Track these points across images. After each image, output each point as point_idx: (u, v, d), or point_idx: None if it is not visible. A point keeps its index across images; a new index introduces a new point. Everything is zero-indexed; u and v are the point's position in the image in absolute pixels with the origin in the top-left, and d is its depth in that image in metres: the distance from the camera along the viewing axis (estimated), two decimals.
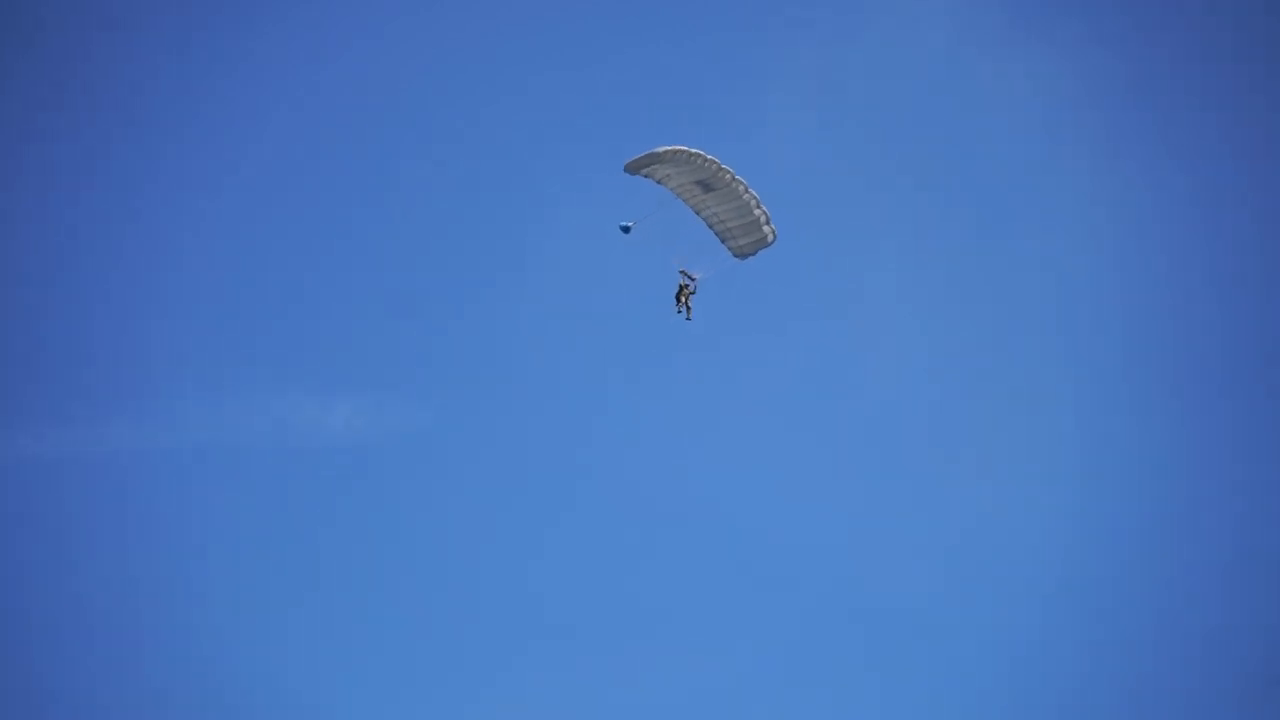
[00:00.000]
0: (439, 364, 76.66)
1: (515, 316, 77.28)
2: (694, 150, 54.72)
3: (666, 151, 54.57)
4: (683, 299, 58.11)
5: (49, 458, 70.35)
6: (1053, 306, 75.28)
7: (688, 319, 58.17)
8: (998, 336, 75.63)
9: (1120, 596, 67.07)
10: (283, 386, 73.66)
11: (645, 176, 55.45)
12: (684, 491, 72.63)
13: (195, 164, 78.36)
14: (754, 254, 57.07)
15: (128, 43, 79.06)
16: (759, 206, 55.98)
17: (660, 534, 71.84)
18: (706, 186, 55.63)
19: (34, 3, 78.08)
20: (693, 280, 58.06)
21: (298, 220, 78.92)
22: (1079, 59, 77.53)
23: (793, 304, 74.18)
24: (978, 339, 75.89)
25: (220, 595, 69.19)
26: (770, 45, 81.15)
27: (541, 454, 73.83)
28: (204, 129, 78.92)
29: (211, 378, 73.90)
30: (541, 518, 72.54)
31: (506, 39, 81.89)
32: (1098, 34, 77.08)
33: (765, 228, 56.33)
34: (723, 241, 57.04)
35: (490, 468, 73.76)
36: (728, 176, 55.10)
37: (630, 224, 56.24)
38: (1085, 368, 73.38)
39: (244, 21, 79.48)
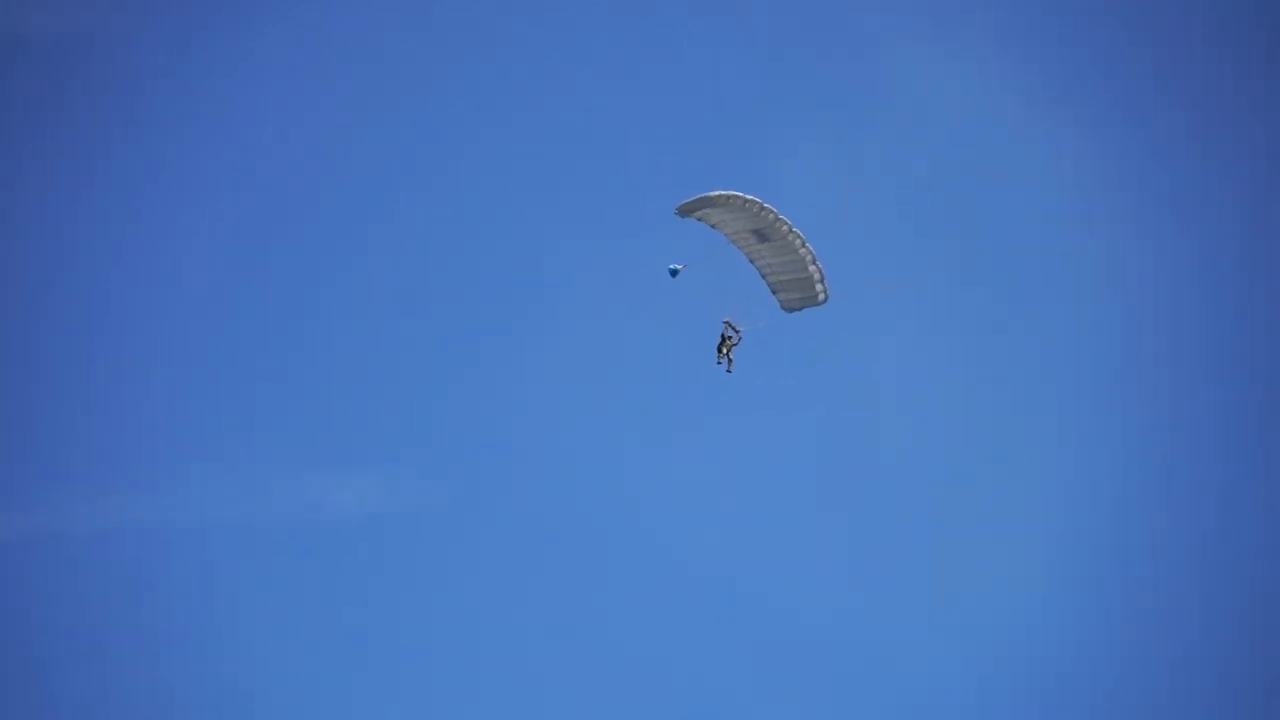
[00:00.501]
0: (456, 437, 74.99)
1: (533, 389, 75.04)
2: (749, 197, 52.32)
3: (720, 196, 52.14)
4: (724, 350, 55.83)
5: (59, 531, 69.57)
6: (1070, 382, 73.36)
7: (728, 370, 55.92)
8: (1015, 409, 73.53)
9: (1138, 685, 64.89)
10: (297, 460, 72.37)
11: (699, 220, 53.15)
12: (700, 568, 70.28)
13: (210, 235, 76.95)
14: (800, 310, 54.86)
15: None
16: (814, 263, 53.47)
17: (679, 611, 69.23)
18: (762, 236, 53.21)
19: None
20: (737, 333, 55.67)
21: (315, 294, 77.43)
22: (1101, 133, 76.51)
23: (812, 373, 71.75)
24: (995, 412, 73.80)
25: (234, 669, 67.90)
26: (788, 123, 79.25)
27: (559, 528, 71.57)
28: (215, 184, 77.35)
29: (225, 451, 72.76)
30: (559, 593, 70.53)
31: (522, 89, 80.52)
32: (1121, 107, 76.22)
33: (817, 286, 53.71)
34: (773, 292, 54.54)
35: (507, 541, 72.16)
36: (784, 228, 52.68)
37: (679, 266, 54.00)
38: (1103, 442, 71.27)
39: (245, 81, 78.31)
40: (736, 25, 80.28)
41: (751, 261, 54.32)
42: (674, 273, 54.12)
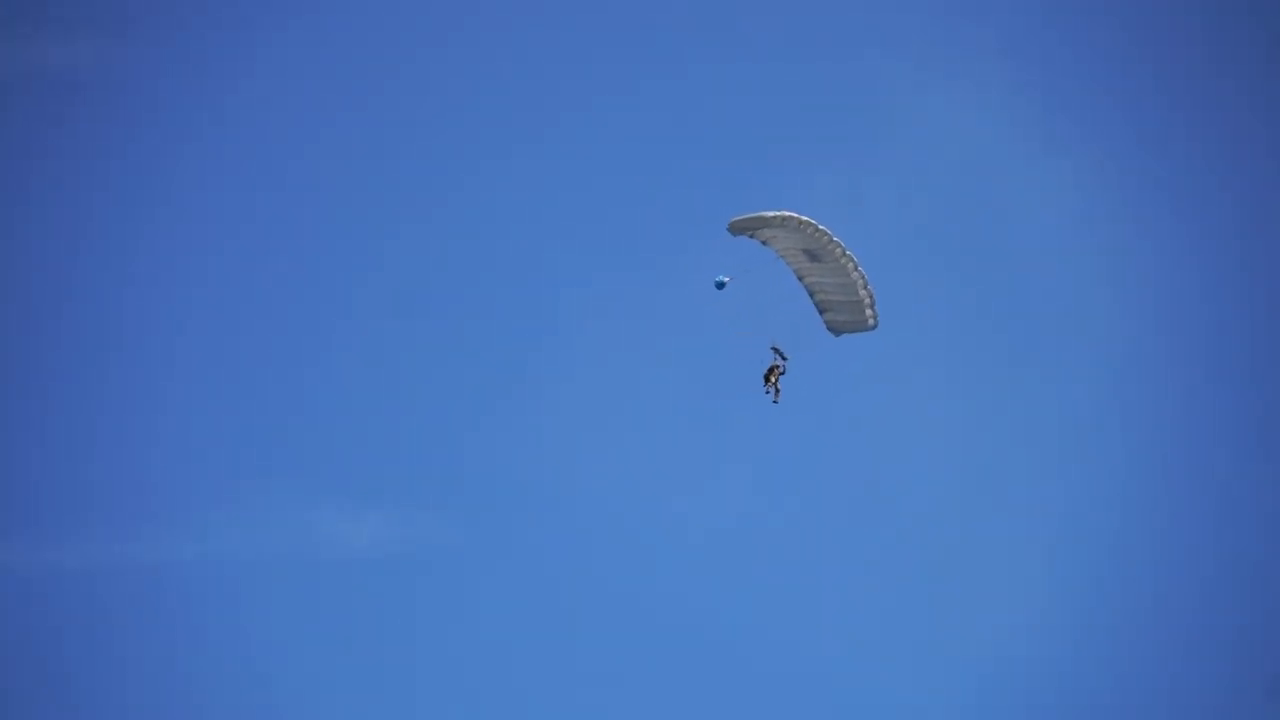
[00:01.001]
0: (469, 478, 74.10)
1: (549, 429, 74.34)
2: (805, 218, 52.35)
3: (776, 216, 51.84)
4: (772, 379, 55.08)
5: (70, 568, 69.04)
6: (1082, 417, 73.49)
7: (775, 401, 55.14)
8: (1023, 449, 73.51)
9: (1141, 688, 65.00)
10: (310, 498, 71.47)
11: (752, 238, 53.04)
12: (712, 617, 69.35)
13: (220, 262, 76.47)
14: (848, 333, 54.57)
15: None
16: (866, 287, 53.44)
17: (689, 660, 68.48)
18: (813, 256, 52.52)
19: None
20: (784, 360, 54.96)
21: (328, 329, 76.85)
22: (1115, 163, 77.39)
23: (823, 411, 71.47)
24: (1001, 440, 73.81)
25: (237, 706, 67.31)
26: (796, 159, 79.66)
27: (572, 572, 70.96)
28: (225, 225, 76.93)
29: (237, 488, 71.97)
30: (569, 639, 69.87)
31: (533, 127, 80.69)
32: (1135, 138, 77.17)
33: (868, 311, 53.35)
34: (820, 312, 53.84)
35: (519, 585, 71.37)
36: (838, 250, 52.62)
37: (726, 279, 52.90)
38: (1113, 467, 71.36)
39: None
40: (744, 57, 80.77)
41: (800, 279, 53.60)
42: (721, 285, 52.92)
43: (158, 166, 77.23)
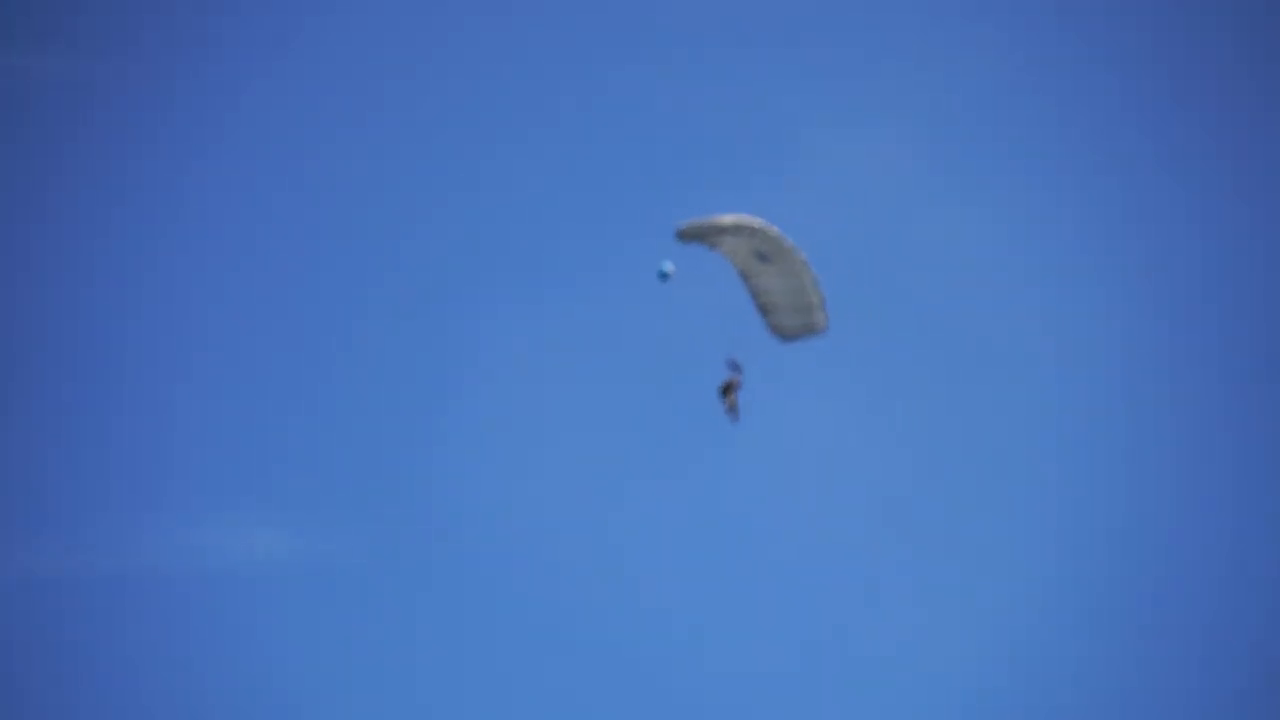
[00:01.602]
0: (370, 489, 71.85)
1: (458, 441, 72.83)
2: (760, 224, 51.89)
3: (733, 223, 51.40)
4: (730, 395, 53.29)
5: None
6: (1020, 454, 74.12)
7: (735, 420, 53.36)
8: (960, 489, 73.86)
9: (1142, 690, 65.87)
10: (203, 509, 69.18)
11: (707, 245, 52.31)
12: (629, 630, 68.62)
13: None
14: (798, 338, 53.62)
15: None
16: (816, 289, 53.25)
17: (599, 676, 67.66)
18: (764, 258, 51.31)
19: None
20: (740, 372, 53.43)
21: (221, 336, 74.37)
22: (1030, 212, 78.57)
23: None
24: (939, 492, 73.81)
25: None
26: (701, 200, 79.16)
27: (476, 587, 69.49)
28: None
29: (128, 499, 69.36)
30: (473, 658, 68.28)
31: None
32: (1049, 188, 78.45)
33: (819, 313, 52.91)
34: (764, 315, 52.54)
35: (424, 600, 69.41)
36: (790, 252, 52.04)
37: (671, 269, 50.75)
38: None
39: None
40: (656, 99, 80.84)
41: (745, 280, 52.36)
42: (664, 275, 51.02)
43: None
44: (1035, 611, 68.26)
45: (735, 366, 53.39)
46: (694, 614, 68.51)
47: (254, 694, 66.24)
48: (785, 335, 53.23)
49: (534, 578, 69.23)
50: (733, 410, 53.40)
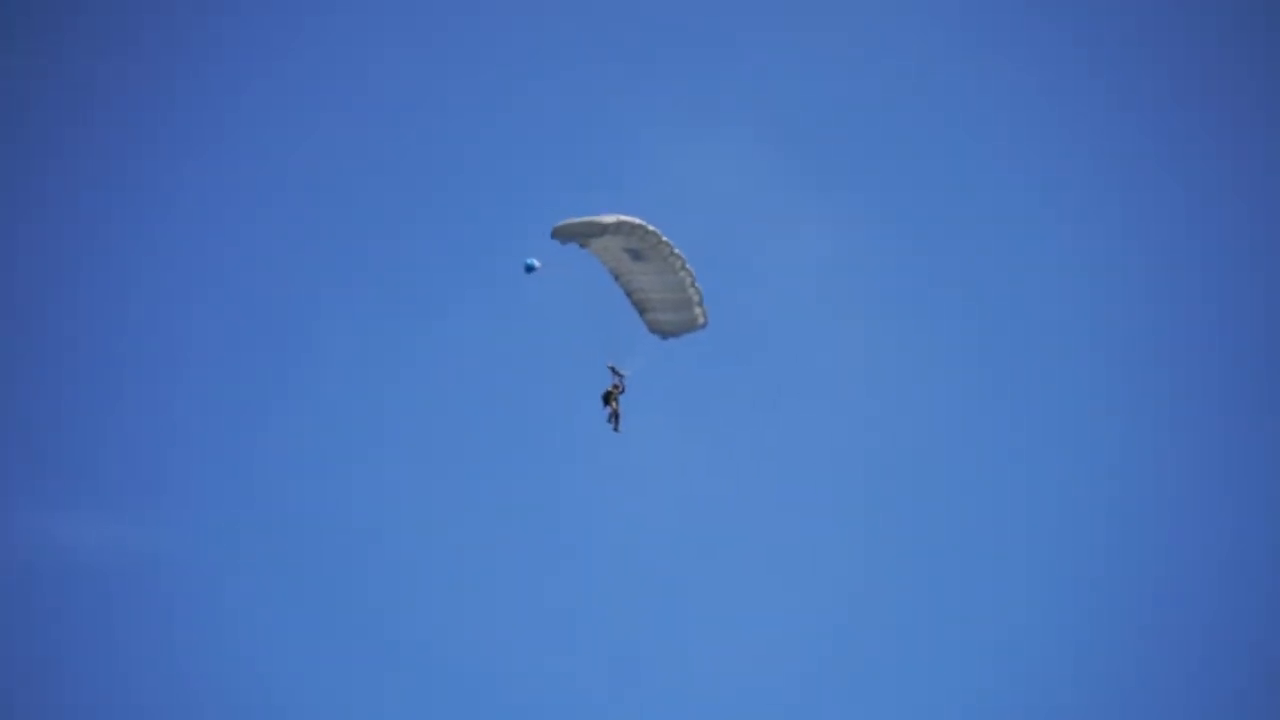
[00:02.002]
0: (207, 484, 70.73)
1: (293, 438, 71.51)
2: (638, 221, 51.41)
3: (613, 222, 50.41)
4: (612, 402, 52.34)
5: None
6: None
7: (615, 429, 52.39)
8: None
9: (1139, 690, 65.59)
10: (42, 503, 67.80)
11: (583, 247, 51.82)
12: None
13: None
14: (677, 335, 52.80)
15: None
16: (694, 285, 53.04)
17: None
18: (637, 256, 50.61)
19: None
20: (621, 378, 52.52)
21: (58, 332, 72.52)
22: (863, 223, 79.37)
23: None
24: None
25: None
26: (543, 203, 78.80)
27: (308, 581, 68.33)
28: None
29: None
30: (305, 649, 67.11)
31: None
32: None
33: (697, 309, 52.45)
34: (641, 313, 51.91)
35: (258, 591, 68.16)
36: (666, 250, 51.66)
37: (536, 263, 49.51)
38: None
39: None
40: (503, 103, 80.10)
41: (617, 279, 51.69)
42: (530, 269, 49.78)
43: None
44: (1030, 611, 68.45)
45: (616, 373, 52.62)
46: (516, 611, 68.47)
47: (94, 683, 65.11)
48: (664, 332, 52.82)
49: (366, 573, 68.61)
50: (615, 418, 52.70)
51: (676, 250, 51.12)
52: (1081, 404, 74.03)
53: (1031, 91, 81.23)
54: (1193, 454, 71.26)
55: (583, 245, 50.98)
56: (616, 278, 52.38)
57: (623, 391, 52.89)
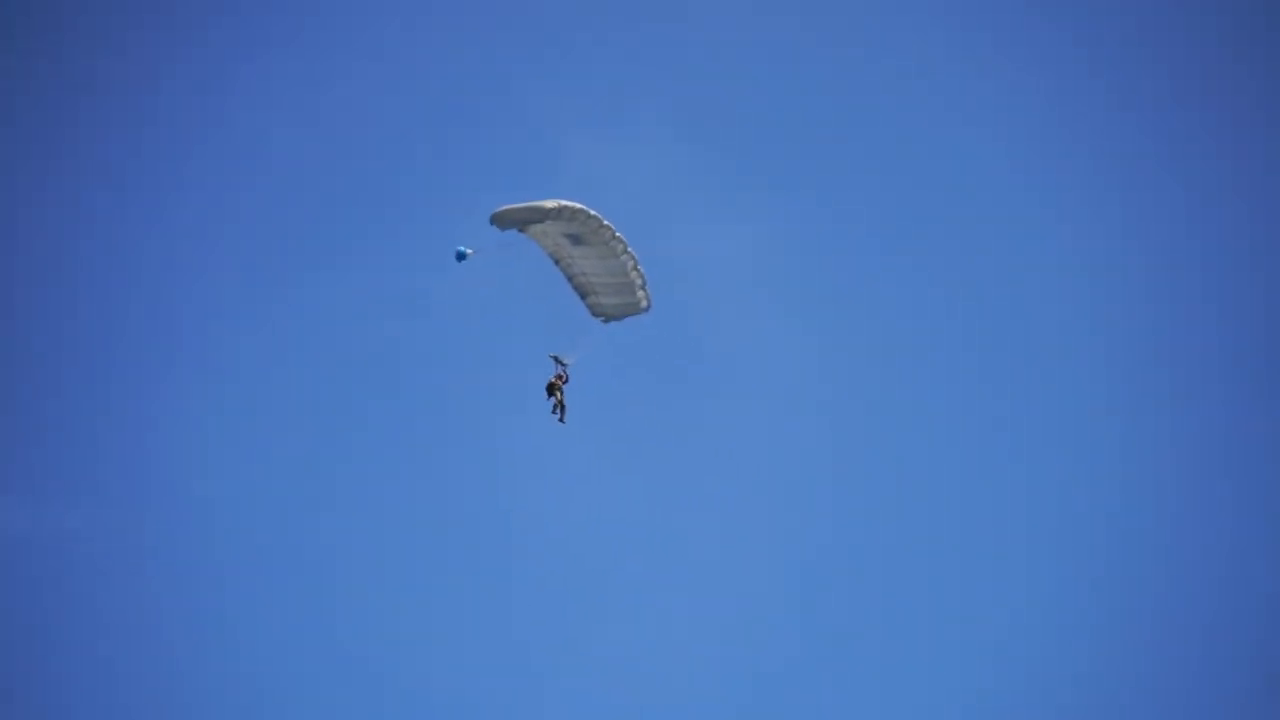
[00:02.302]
0: (102, 468, 70.10)
1: (186, 426, 70.75)
2: (578, 206, 51.26)
3: (555, 208, 49.88)
4: (557, 392, 51.89)
5: None
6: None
7: (561, 420, 52.02)
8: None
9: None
10: None
11: (521, 232, 51.57)
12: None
13: None
14: (620, 319, 52.49)
15: None
16: (636, 269, 52.96)
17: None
18: (578, 240, 50.27)
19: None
20: (564, 367, 51.91)
21: None
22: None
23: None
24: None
25: None
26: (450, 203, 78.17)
27: (199, 565, 67.50)
28: None
29: None
30: (197, 629, 66.40)
31: None
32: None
33: (640, 292, 51.89)
34: (583, 297, 51.52)
35: (154, 574, 67.47)
36: (608, 234, 50.76)
37: (469, 250, 48.90)
38: None
39: None
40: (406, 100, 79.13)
41: (557, 263, 51.11)
42: (461, 256, 49.31)
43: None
44: (1029, 612, 68.37)
45: (559, 362, 52.16)
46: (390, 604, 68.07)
47: None
48: (607, 316, 52.71)
49: (257, 560, 68.16)
50: (559, 409, 52.37)
51: (618, 234, 50.99)
52: (1022, 400, 74.62)
53: (967, 77, 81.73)
54: (1191, 453, 71.75)
55: (521, 231, 50.76)
56: (557, 262, 52.07)
57: (566, 381, 52.53)
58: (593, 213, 50.31)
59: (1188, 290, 75.16)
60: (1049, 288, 76.32)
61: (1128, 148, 79.05)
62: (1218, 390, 72.45)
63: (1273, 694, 63.72)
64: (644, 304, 52.22)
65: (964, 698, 64.98)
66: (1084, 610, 66.94)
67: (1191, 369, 73.18)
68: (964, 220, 78.44)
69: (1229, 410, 71.78)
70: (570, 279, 52.35)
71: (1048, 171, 78.98)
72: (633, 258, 51.46)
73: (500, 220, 49.75)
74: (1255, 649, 65.34)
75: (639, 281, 51.92)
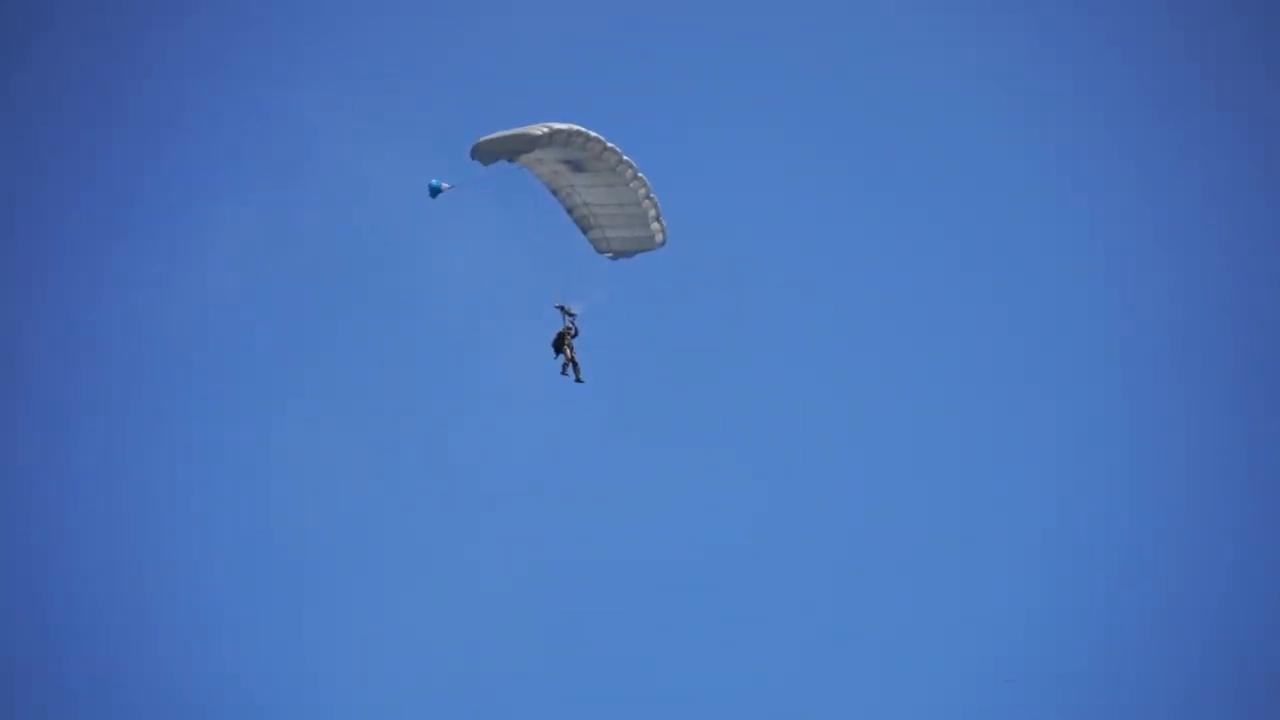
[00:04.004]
0: None
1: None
2: (575, 128, 43.01)
3: (545, 133, 41.98)
4: (565, 347, 44.39)
5: None
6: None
7: (577, 379, 44.54)
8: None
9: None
10: None
11: (512, 163, 43.19)
12: None
13: None
14: (630, 255, 44.39)
15: None
16: (649, 197, 44.50)
17: None
18: (578, 167, 42.43)
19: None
20: (572, 318, 44.32)
21: None
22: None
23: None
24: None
25: None
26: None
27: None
28: None
29: None
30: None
31: None
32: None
33: (654, 224, 44.05)
34: (584, 231, 43.67)
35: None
36: (613, 158, 42.73)
37: (446, 185, 41.75)
38: None
39: None
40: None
41: (556, 194, 43.34)
42: (435, 191, 42.02)
43: None
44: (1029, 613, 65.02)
45: (566, 312, 44.43)
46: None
47: None
48: (614, 252, 44.62)
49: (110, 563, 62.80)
50: (571, 365, 44.71)
51: (626, 158, 42.84)
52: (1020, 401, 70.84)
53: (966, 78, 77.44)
54: (1191, 454, 68.41)
55: (511, 161, 42.60)
56: (555, 192, 44.15)
57: (576, 334, 44.89)
58: (593, 135, 42.29)
59: (1187, 290, 72.24)
60: (1049, 287, 73.66)
61: (1127, 148, 75.77)
62: (1224, 391, 69.44)
63: (1273, 694, 61.74)
64: (659, 238, 44.21)
65: (964, 697, 62.63)
66: (1084, 610, 64.67)
67: (1194, 369, 70.42)
68: (977, 219, 75.48)
69: (1231, 410, 68.92)
70: (570, 210, 44.38)
71: (1047, 172, 75.78)
72: (644, 184, 43.39)
73: (483, 154, 41.70)
74: (1256, 649, 63.25)
75: (653, 212, 43.93)
